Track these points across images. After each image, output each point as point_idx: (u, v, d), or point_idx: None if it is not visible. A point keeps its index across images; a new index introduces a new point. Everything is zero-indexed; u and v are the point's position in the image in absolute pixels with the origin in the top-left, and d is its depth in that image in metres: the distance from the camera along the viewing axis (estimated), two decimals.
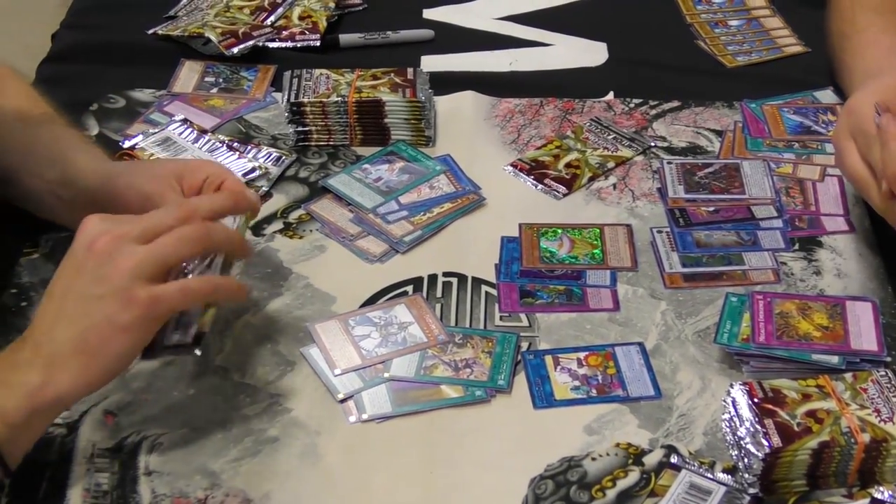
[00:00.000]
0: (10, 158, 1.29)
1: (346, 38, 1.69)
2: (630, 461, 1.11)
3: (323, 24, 1.71)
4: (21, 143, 1.29)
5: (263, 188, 1.42)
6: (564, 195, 1.41)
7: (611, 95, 1.58)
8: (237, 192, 1.19)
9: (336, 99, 1.47)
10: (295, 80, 1.51)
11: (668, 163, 1.41)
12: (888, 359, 1.16)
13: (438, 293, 1.29)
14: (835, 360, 1.16)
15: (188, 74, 1.62)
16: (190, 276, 1.11)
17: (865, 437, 1.04)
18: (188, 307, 1.11)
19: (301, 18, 1.72)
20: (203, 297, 1.11)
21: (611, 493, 1.08)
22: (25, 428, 1.03)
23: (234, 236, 1.15)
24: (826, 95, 1.54)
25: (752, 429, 1.06)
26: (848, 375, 1.10)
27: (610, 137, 1.49)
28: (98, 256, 1.05)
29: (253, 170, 1.44)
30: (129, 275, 1.04)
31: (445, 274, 1.31)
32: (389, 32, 1.70)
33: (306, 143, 1.49)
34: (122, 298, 1.03)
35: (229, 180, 1.23)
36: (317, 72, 1.53)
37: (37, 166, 1.27)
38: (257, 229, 1.37)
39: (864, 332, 1.18)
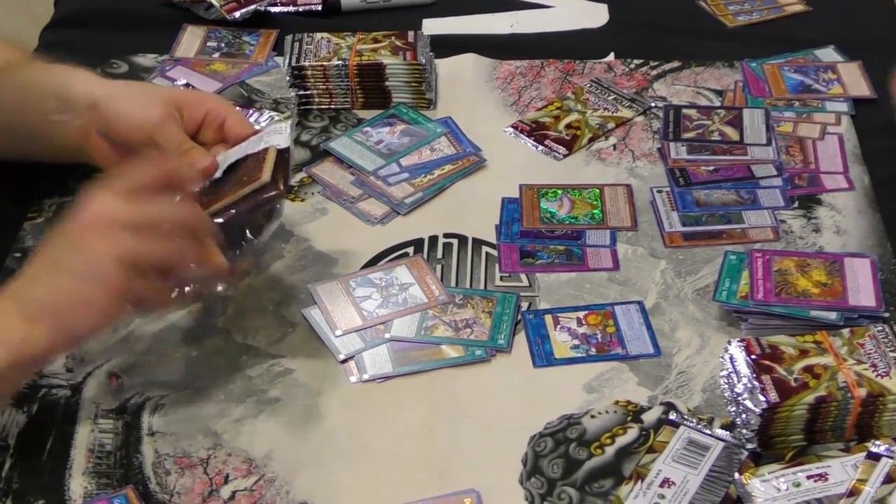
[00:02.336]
0: (6, 110, 1.29)
1: (347, 1, 1.68)
2: (629, 418, 1.12)
3: None
4: (13, 89, 1.28)
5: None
6: (565, 156, 1.42)
7: (611, 56, 1.58)
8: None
9: (337, 62, 1.47)
10: (296, 45, 1.51)
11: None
12: (886, 314, 1.17)
13: (439, 254, 1.29)
14: (833, 316, 1.16)
15: (190, 39, 1.62)
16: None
17: (862, 392, 1.05)
18: (159, 309, 1.15)
19: None
20: (168, 309, 1.17)
21: (610, 451, 1.09)
22: (6, 378, 1.04)
23: (220, 269, 1.11)
24: (827, 54, 1.54)
25: (749, 385, 1.06)
26: (845, 331, 1.11)
27: (610, 98, 1.50)
28: (88, 233, 1.05)
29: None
30: (110, 259, 1.03)
31: (446, 235, 1.31)
32: None
33: (308, 107, 1.49)
34: (97, 280, 1.03)
35: (231, 119, 1.23)
36: (318, 36, 1.53)
37: (35, 103, 1.26)
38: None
39: (862, 289, 1.18)
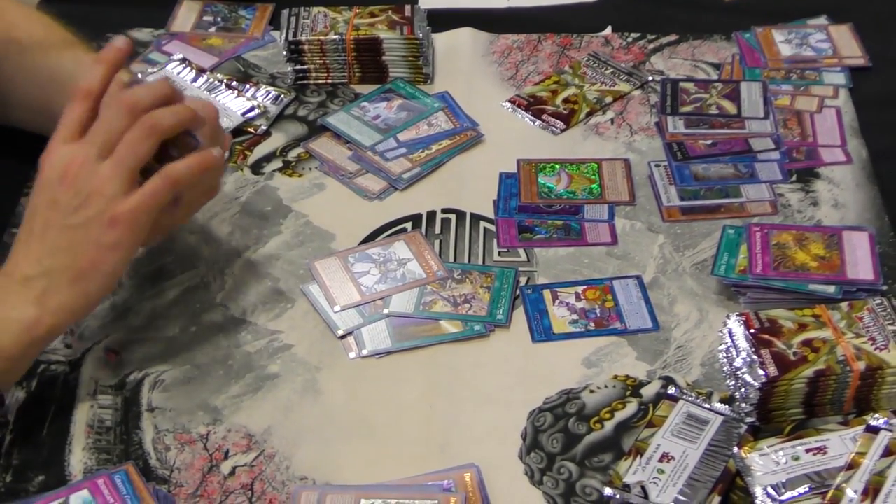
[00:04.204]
0: (34, 89, 1.29)
1: None
2: (628, 393, 1.12)
3: None
4: (46, 71, 1.27)
5: (262, 127, 1.42)
6: (562, 130, 1.42)
7: (609, 30, 1.58)
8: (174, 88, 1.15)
9: (334, 37, 1.47)
10: (293, 19, 1.51)
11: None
12: (884, 287, 1.17)
13: (437, 229, 1.29)
14: (831, 289, 1.16)
15: (186, 14, 1.62)
16: None
17: (861, 365, 1.05)
18: (174, 195, 1.10)
19: None
20: (187, 177, 1.10)
21: (609, 425, 1.09)
22: (21, 359, 1.06)
23: (182, 110, 1.12)
24: (819, 23, 1.54)
25: (748, 359, 1.07)
26: (844, 304, 1.11)
27: (608, 72, 1.49)
28: (71, 185, 1.06)
29: (252, 108, 1.44)
30: (105, 195, 1.05)
31: (444, 210, 1.31)
32: None
33: (305, 82, 1.49)
34: (104, 220, 1.05)
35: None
36: (315, 10, 1.52)
37: (63, 90, 1.27)
38: (257, 168, 1.37)
39: (860, 262, 1.19)
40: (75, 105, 1.10)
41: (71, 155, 1.07)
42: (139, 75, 1.44)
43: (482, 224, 1.30)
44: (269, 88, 1.47)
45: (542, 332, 1.18)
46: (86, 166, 1.06)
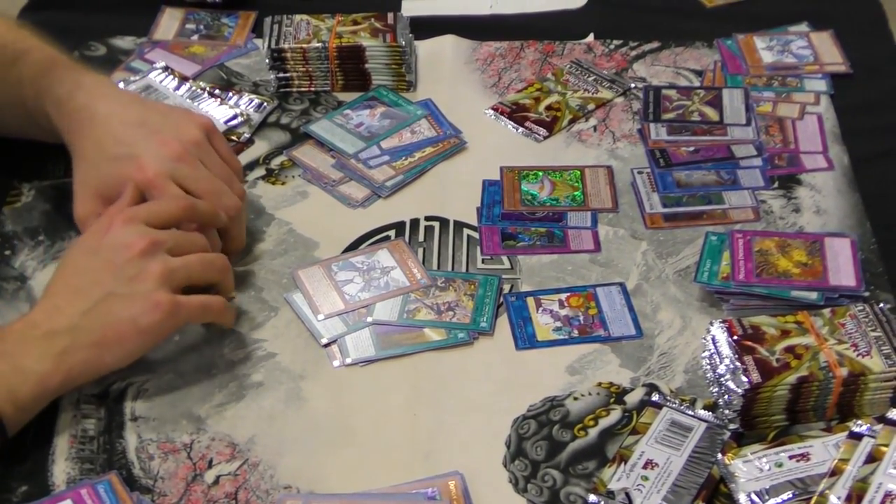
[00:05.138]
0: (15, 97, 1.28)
1: None
2: (612, 400, 1.12)
3: None
4: (27, 80, 1.27)
5: (245, 135, 1.42)
6: (545, 138, 1.42)
7: (591, 37, 1.58)
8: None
9: (317, 45, 1.47)
10: (275, 27, 1.51)
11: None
12: (866, 293, 1.17)
13: (420, 237, 1.29)
14: (814, 296, 1.16)
15: (169, 22, 1.62)
16: None
17: (843, 372, 1.05)
18: (202, 321, 1.17)
19: None
20: (216, 315, 1.16)
21: (593, 432, 1.09)
22: (32, 408, 1.07)
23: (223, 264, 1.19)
24: (800, 30, 1.55)
25: (731, 366, 1.07)
26: (826, 311, 1.11)
27: (590, 79, 1.50)
28: (134, 258, 1.10)
29: (235, 116, 1.44)
30: (159, 281, 1.09)
31: (427, 218, 1.31)
32: None
33: (288, 90, 1.49)
34: (148, 301, 1.08)
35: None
36: (297, 18, 1.52)
37: (19, 100, 1.27)
38: None
39: (842, 268, 1.19)
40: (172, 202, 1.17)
41: (144, 232, 1.12)
42: (121, 84, 1.44)
43: (465, 232, 1.30)
44: (252, 96, 1.47)
45: (525, 339, 1.18)
46: (155, 247, 1.11)
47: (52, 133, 1.25)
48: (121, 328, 1.08)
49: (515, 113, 1.45)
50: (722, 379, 1.08)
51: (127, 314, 1.08)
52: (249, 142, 1.42)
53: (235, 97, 1.47)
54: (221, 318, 1.17)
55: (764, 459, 1.03)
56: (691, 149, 1.37)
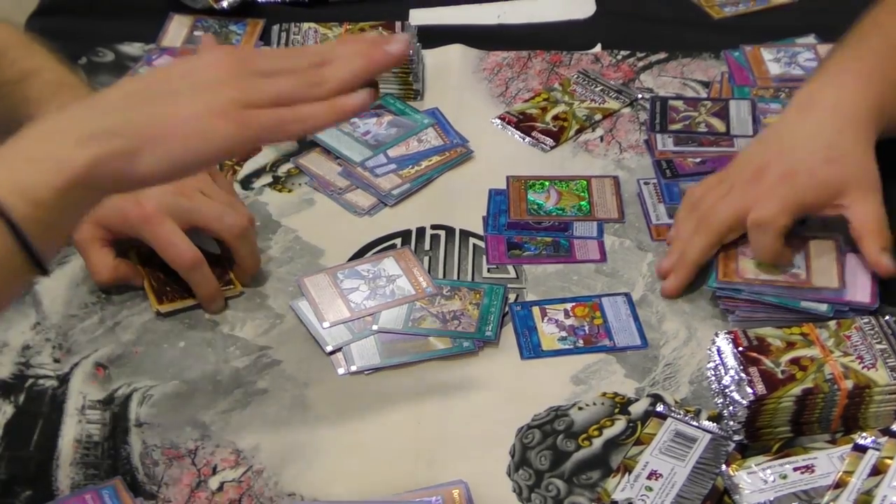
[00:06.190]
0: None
1: None
2: (616, 410, 1.12)
3: None
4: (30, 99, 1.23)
5: None
6: (552, 147, 1.42)
7: (598, 48, 1.58)
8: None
9: None
10: (283, 35, 1.52)
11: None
12: (874, 307, 1.17)
13: (426, 246, 1.29)
14: (823, 308, 1.16)
15: (177, 28, 1.62)
16: None
17: (848, 384, 1.05)
18: (278, 138, 1.00)
19: None
20: (296, 126, 0.97)
21: (597, 442, 1.09)
22: (52, 205, 0.88)
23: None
24: (807, 42, 1.55)
25: (736, 377, 1.07)
26: (832, 323, 1.11)
27: (597, 90, 1.50)
28: (215, 69, 0.95)
29: None
30: (233, 95, 0.94)
31: (433, 227, 1.32)
32: None
33: None
34: (215, 105, 0.93)
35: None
36: (305, 26, 1.53)
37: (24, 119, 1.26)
38: (246, 183, 1.37)
39: (859, 283, 1.18)
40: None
41: (236, 54, 0.98)
42: None
43: (471, 241, 1.30)
44: None
45: (530, 348, 1.18)
46: (243, 69, 0.96)
47: None
48: (173, 124, 0.92)
49: (522, 122, 1.45)
50: (727, 390, 1.08)
51: (185, 112, 0.92)
52: (256, 149, 1.42)
53: None
54: (302, 126, 0.97)
55: (768, 471, 1.02)
56: (698, 160, 1.37)
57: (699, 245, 1.21)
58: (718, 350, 1.11)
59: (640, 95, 1.49)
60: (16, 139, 0.91)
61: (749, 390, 1.05)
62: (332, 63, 0.98)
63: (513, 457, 1.08)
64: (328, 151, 1.41)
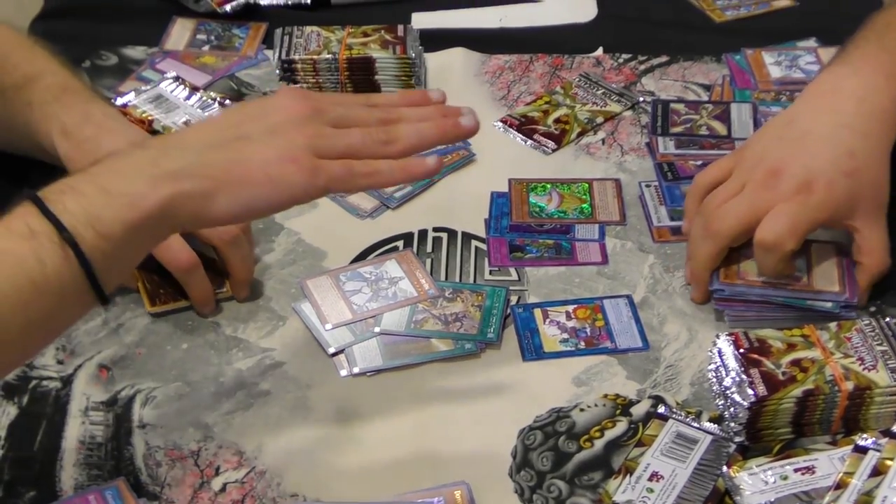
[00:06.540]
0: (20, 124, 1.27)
1: None
2: (618, 412, 1.12)
3: None
4: (34, 107, 1.25)
5: None
6: (553, 150, 1.42)
7: (600, 51, 1.59)
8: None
9: (327, 56, 1.48)
10: (286, 38, 1.52)
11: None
12: (854, 301, 1.17)
13: (429, 248, 1.30)
14: (828, 305, 1.17)
15: (180, 32, 1.62)
16: None
17: (849, 385, 1.06)
18: (345, 190, 1.06)
19: None
20: (363, 180, 1.01)
21: (599, 444, 1.10)
22: (120, 244, 0.92)
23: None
24: (808, 45, 1.56)
25: (737, 378, 1.07)
26: (832, 325, 1.12)
27: (599, 93, 1.50)
28: (287, 113, 0.99)
29: None
30: (307, 141, 0.97)
31: (435, 229, 1.32)
32: None
33: None
34: (286, 152, 0.96)
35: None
36: (308, 29, 1.53)
37: (26, 123, 1.27)
38: None
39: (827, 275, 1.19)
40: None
41: (310, 99, 1.01)
42: (132, 93, 1.44)
43: (473, 243, 1.30)
44: None
45: (532, 350, 1.18)
46: (314, 115, 1.00)
47: (55, 158, 1.23)
48: (247, 169, 0.95)
49: (524, 125, 1.46)
50: (728, 392, 1.08)
51: (259, 157, 0.95)
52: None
53: None
54: (370, 181, 1.02)
55: (769, 472, 1.03)
56: (699, 163, 1.38)
57: (707, 253, 1.19)
58: (719, 352, 1.11)
59: (641, 98, 1.49)
60: (92, 170, 0.94)
61: (750, 392, 1.05)
62: (402, 122, 1.03)
63: (514, 458, 1.09)
64: None
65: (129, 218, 0.91)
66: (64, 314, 0.94)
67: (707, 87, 1.51)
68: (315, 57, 1.48)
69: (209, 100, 1.47)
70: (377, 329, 1.20)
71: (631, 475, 1.04)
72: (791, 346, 1.09)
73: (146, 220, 0.92)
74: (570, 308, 1.22)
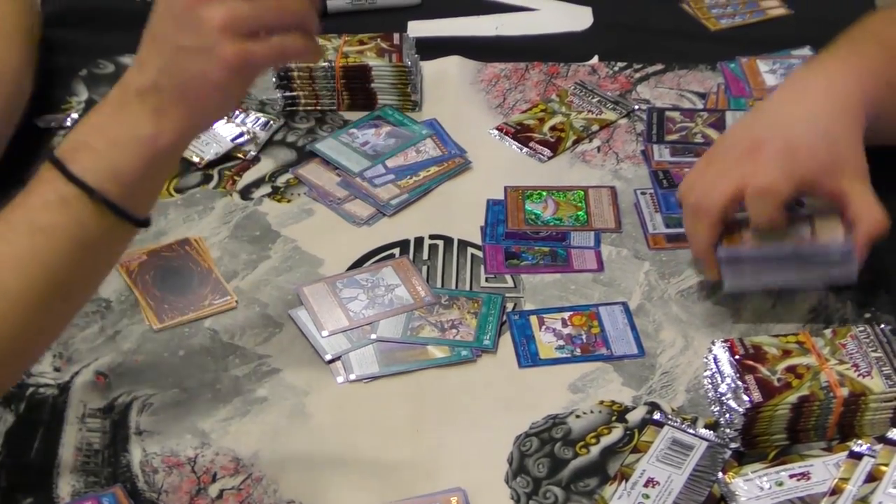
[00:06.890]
0: None
1: (333, 3, 1.69)
2: (613, 418, 1.13)
3: None
4: None
5: (251, 153, 1.43)
6: (549, 158, 1.43)
7: (595, 59, 1.59)
8: None
9: (323, 64, 1.48)
10: None
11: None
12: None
13: (425, 255, 1.30)
14: (840, 241, 1.16)
15: None
16: None
17: (844, 392, 1.06)
18: (276, 65, 1.07)
19: None
20: (293, 54, 1.01)
21: (595, 450, 1.10)
22: (143, 183, 0.98)
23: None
24: (803, 54, 1.56)
25: (733, 385, 1.07)
26: (828, 331, 1.12)
27: (594, 101, 1.50)
28: (194, 4, 0.96)
29: (241, 134, 1.45)
30: (221, 31, 0.96)
31: (432, 236, 1.32)
32: None
33: (294, 108, 1.50)
34: (212, 56, 0.96)
35: None
36: None
37: None
38: (245, 193, 1.38)
39: None
40: None
41: None
42: None
43: (469, 250, 1.31)
44: (259, 115, 1.48)
45: (528, 357, 1.19)
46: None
47: None
48: (197, 85, 0.97)
49: (520, 133, 1.46)
50: (723, 398, 1.08)
51: (197, 70, 0.96)
52: (255, 159, 1.43)
53: (242, 115, 1.48)
54: (305, 55, 1.02)
55: (765, 478, 1.03)
56: None
57: (703, 232, 1.18)
58: (715, 358, 1.11)
59: (636, 106, 1.49)
60: (93, 121, 0.99)
61: (745, 398, 1.06)
62: None
63: (511, 464, 1.09)
64: (327, 162, 1.41)
65: (145, 159, 0.97)
66: (117, 249, 1.02)
67: (702, 95, 1.51)
68: (311, 65, 1.48)
69: None
70: (373, 336, 1.20)
71: (627, 481, 1.04)
72: (786, 353, 1.10)
73: (159, 157, 0.98)
74: (566, 315, 1.23)
